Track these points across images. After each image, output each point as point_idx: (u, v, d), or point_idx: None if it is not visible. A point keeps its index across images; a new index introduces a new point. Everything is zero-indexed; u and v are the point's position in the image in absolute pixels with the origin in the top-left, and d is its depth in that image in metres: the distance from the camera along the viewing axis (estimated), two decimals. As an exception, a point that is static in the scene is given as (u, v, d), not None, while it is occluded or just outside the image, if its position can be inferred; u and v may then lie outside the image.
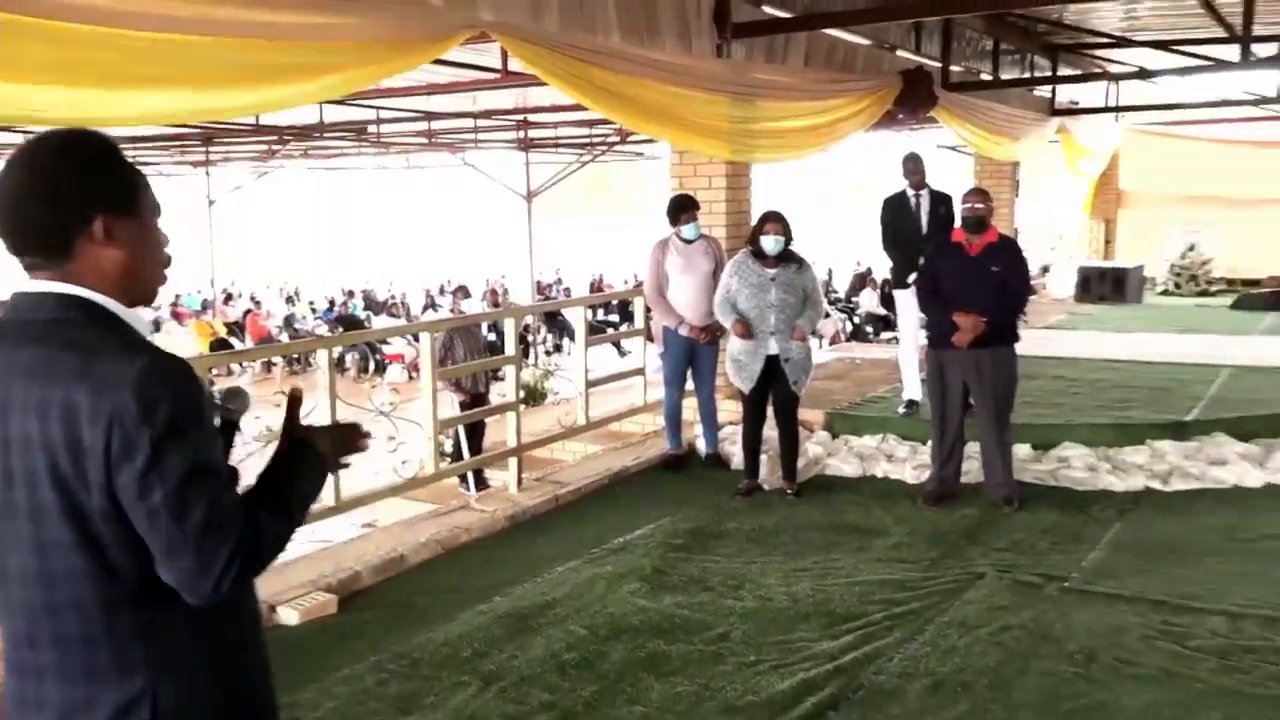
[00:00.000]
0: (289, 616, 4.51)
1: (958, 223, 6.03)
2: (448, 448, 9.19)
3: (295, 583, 4.78)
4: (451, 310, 14.25)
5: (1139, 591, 4.59)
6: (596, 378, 7.45)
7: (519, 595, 4.74)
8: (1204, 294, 16.04)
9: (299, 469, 1.74)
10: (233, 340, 20.43)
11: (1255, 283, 16.39)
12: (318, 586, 4.75)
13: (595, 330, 18.03)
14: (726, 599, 4.63)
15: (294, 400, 1.88)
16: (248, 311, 23.38)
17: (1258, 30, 9.91)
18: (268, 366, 19.44)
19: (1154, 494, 6.09)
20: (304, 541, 6.33)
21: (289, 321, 22.55)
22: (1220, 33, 10.05)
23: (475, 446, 9.02)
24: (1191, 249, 16.76)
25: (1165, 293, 16.47)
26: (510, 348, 6.49)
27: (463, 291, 13.30)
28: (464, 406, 9.29)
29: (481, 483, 8.19)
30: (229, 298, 25.40)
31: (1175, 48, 10.68)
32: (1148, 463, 6.46)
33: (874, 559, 5.12)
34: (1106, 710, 3.56)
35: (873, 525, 5.65)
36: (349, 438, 1.89)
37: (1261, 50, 11.16)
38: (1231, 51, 9.63)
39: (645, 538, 5.52)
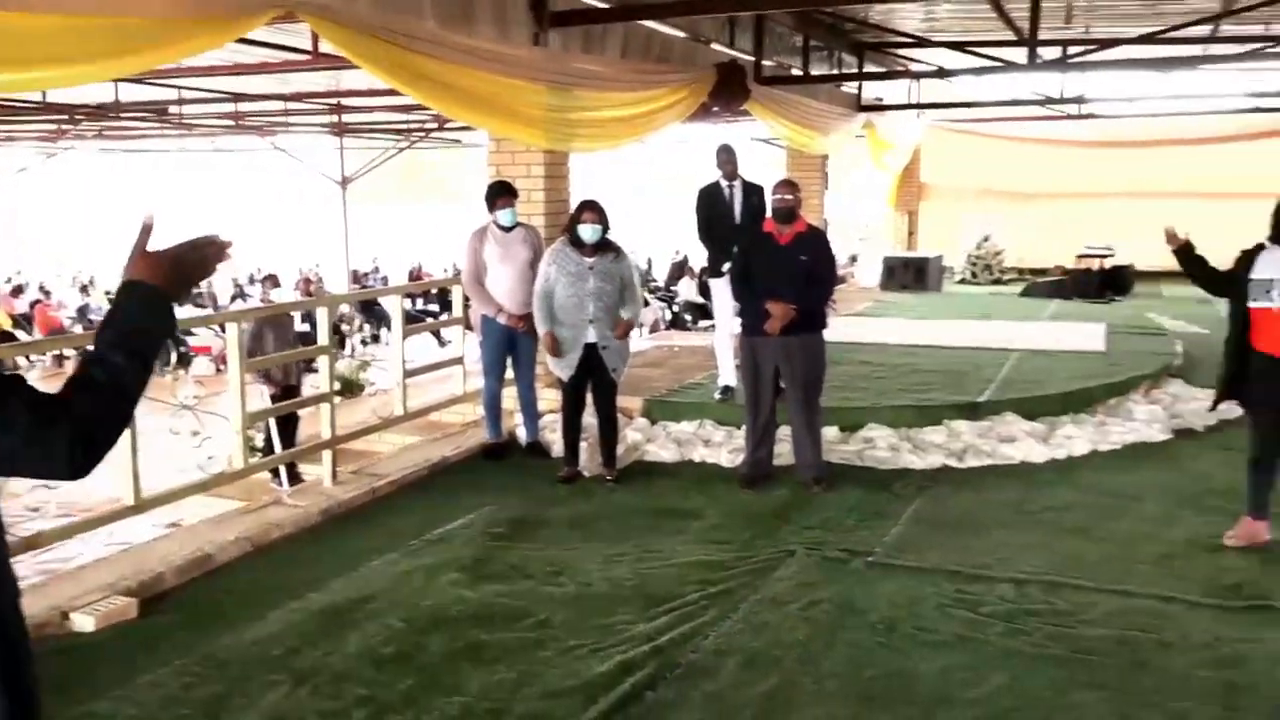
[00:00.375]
0: (84, 623, 4.28)
1: (769, 213, 6.22)
2: (259, 442, 8.89)
3: (91, 587, 4.53)
4: (261, 300, 13.75)
5: (936, 563, 4.87)
6: (414, 368, 7.35)
7: (334, 591, 4.64)
8: (997, 282, 17.04)
9: (130, 309, 1.74)
10: (19, 334, 19.12)
11: (1042, 272, 17.51)
12: (116, 590, 4.52)
13: (414, 319, 17.79)
14: (547, 586, 4.66)
15: (145, 229, 1.81)
16: (35, 302, 21.91)
17: (1043, 35, 10.59)
18: (59, 360, 18.28)
19: (950, 471, 6.45)
20: (100, 544, 6.03)
21: (83, 312, 21.25)
22: (1010, 36, 10.69)
23: (288, 440, 8.75)
24: (986, 240, 17.76)
25: (963, 281, 17.41)
26: (323, 338, 6.32)
27: (272, 280, 12.84)
28: (275, 399, 8.99)
29: (294, 477, 7.96)
30: (18, 290, 23.75)
31: (970, 49, 11.28)
32: (945, 441, 6.84)
33: (691, 541, 5.24)
34: (905, 676, 3.77)
35: (690, 508, 5.78)
36: (199, 259, 1.82)
37: (1047, 53, 11.94)
38: (1020, 54, 10.25)
39: (465, 528, 5.49)
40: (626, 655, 3.94)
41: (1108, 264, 15.55)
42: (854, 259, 18.04)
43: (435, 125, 17.08)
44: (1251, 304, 4.80)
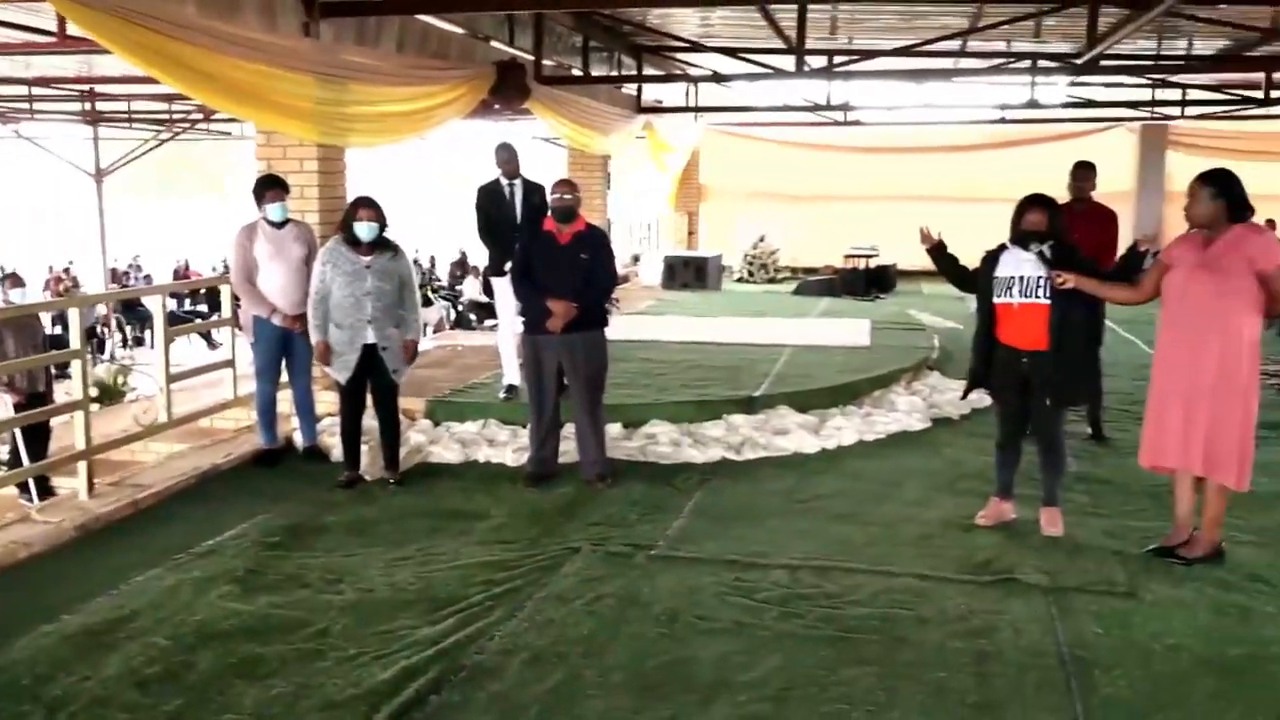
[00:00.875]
0: None
1: (550, 212, 6.24)
2: (3, 454, 8.22)
3: None
4: (1, 301, 12.70)
5: (715, 553, 5.03)
6: (181, 372, 6.97)
7: (91, 611, 4.35)
8: (772, 281, 17.70)
9: None
10: None
11: (814, 271, 18.32)
12: None
13: (181, 320, 16.87)
14: (325, 594, 4.53)
15: None
16: None
17: (810, 44, 11.11)
18: None
19: (729, 464, 6.67)
20: None
21: None
22: (780, 44, 11.15)
23: (37, 452, 8.12)
24: (761, 240, 18.42)
25: (740, 280, 18.00)
26: (75, 341, 5.91)
27: (13, 279, 11.87)
28: (20, 408, 8.32)
29: (46, 491, 7.40)
30: None
31: (743, 55, 11.69)
32: (724, 435, 7.07)
33: (476, 542, 5.21)
34: (686, 664, 3.87)
35: (475, 509, 5.74)
36: None
37: (814, 62, 12.53)
38: (789, 62, 10.72)
39: (237, 538, 5.26)
40: (410, 661, 3.87)
41: (873, 263, 16.44)
42: (636, 258, 18.32)
43: (201, 116, 16.25)
44: (995, 300, 5.19)
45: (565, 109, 11.10)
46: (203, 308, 20.40)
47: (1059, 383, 5.09)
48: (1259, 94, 13.56)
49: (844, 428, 7.29)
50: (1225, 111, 16.04)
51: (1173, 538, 4.99)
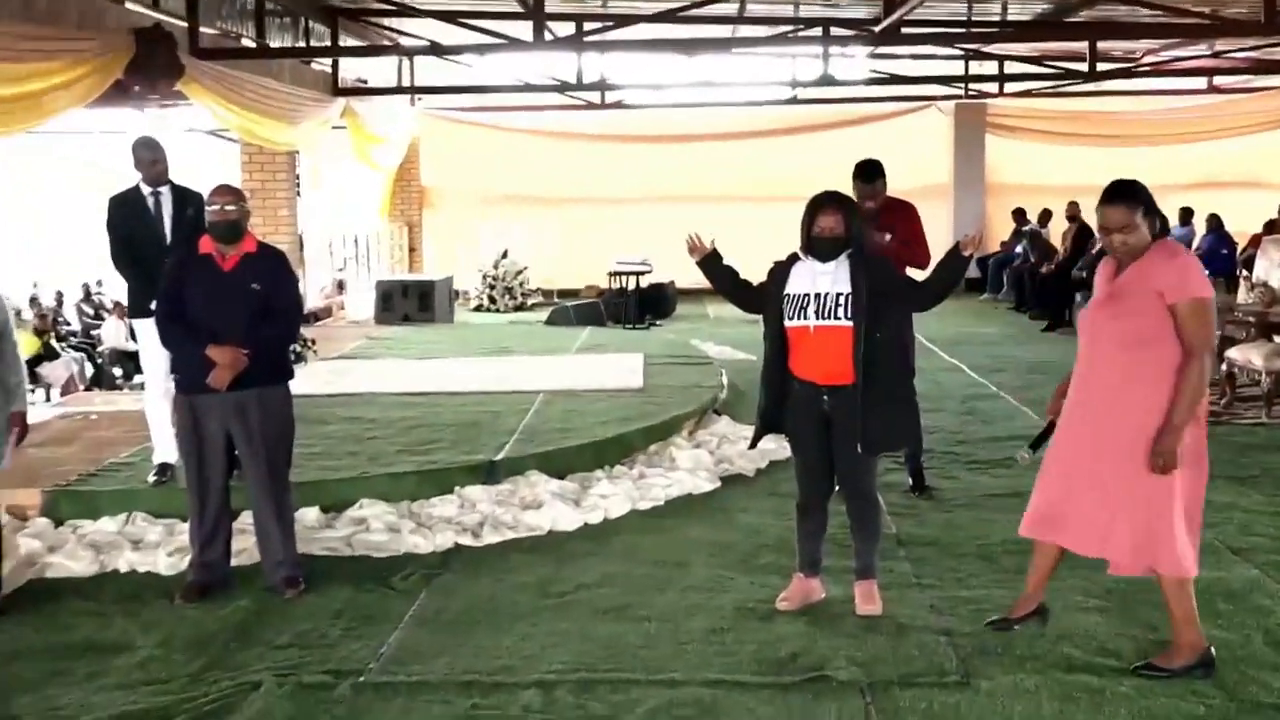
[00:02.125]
0: None
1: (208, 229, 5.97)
2: None
3: None
4: None
5: (446, 674, 4.89)
6: None
7: None
8: (520, 308, 17.80)
9: None
10: None
11: (573, 293, 18.52)
12: None
13: None
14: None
15: None
16: None
17: (553, 8, 11.23)
18: None
19: (465, 551, 6.54)
20: None
21: None
22: (515, 7, 11.20)
23: None
24: (504, 257, 18.48)
25: (479, 308, 18.00)
26: None
27: None
28: None
29: None
30: None
31: (466, 21, 11.69)
32: (458, 515, 6.94)
33: (114, 685, 4.87)
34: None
35: (113, 639, 5.38)
36: None
37: (558, 29, 12.67)
38: (526, 29, 10.78)
39: None
40: None
41: (645, 282, 16.75)
42: (341, 285, 17.99)
43: None
44: (787, 323, 5.31)
45: (233, 91, 10.78)
46: None
47: (869, 424, 5.24)
48: (1083, 66, 14.72)
49: (612, 495, 7.31)
50: (1049, 87, 17.33)
51: (1017, 608, 5.20)
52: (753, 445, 5.88)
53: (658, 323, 16.14)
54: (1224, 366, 9.97)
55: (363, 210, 19.04)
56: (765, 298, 5.42)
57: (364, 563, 6.35)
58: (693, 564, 6.25)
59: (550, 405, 9.38)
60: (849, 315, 5.17)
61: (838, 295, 5.19)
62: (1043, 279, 16.48)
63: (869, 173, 7.09)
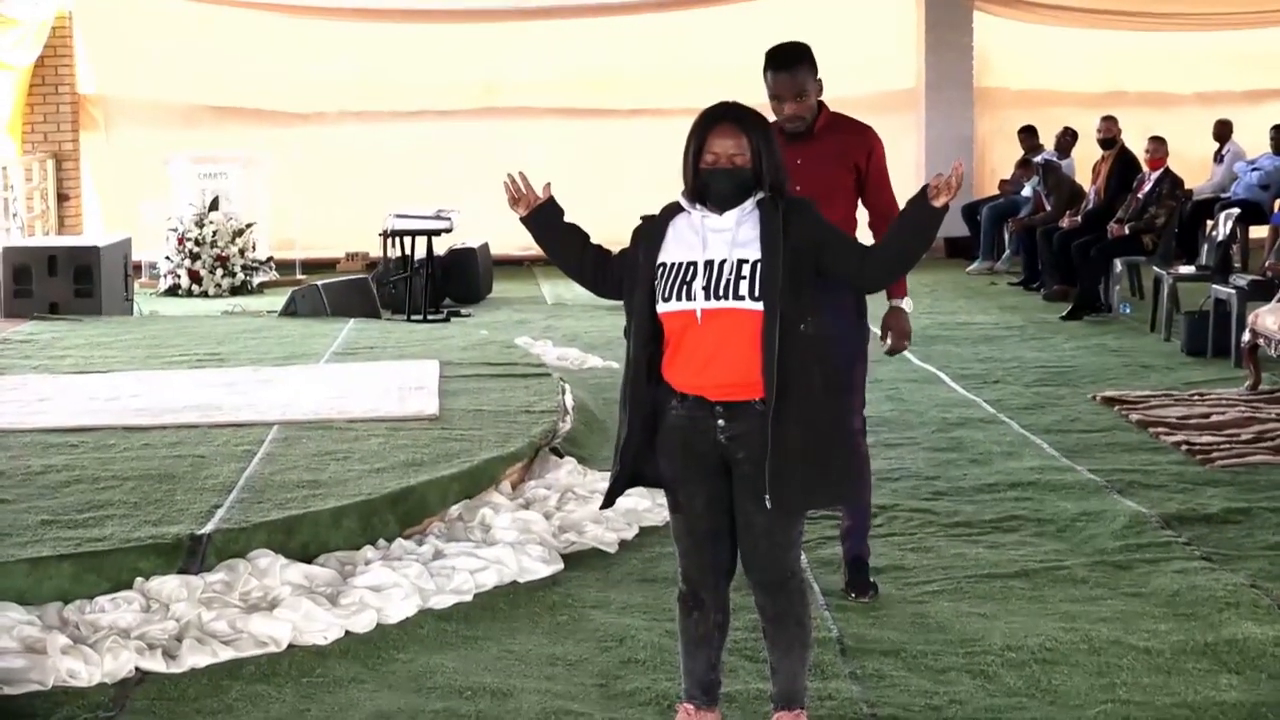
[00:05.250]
0: None
1: None
2: None
3: None
4: None
5: None
6: None
7: None
8: (241, 290, 17.59)
9: None
10: None
11: (328, 265, 18.42)
12: None
13: None
14: None
15: None
16: None
17: None
18: None
19: (153, 681, 6.44)
20: None
21: None
22: None
23: None
24: (214, 208, 18.22)
25: (175, 291, 17.75)
26: None
27: None
28: None
29: None
30: None
31: None
32: (140, 623, 6.83)
33: None
34: None
35: None
36: None
37: None
38: None
39: None
40: None
41: (444, 247, 16.68)
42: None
43: None
44: (662, 306, 5.31)
45: None
46: None
47: (784, 467, 5.23)
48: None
49: (389, 587, 7.27)
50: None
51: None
52: (607, 503, 5.85)
53: (462, 311, 16.09)
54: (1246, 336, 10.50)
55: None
56: (628, 271, 5.44)
57: (-15, 708, 6.27)
58: (518, 694, 6.23)
59: (289, 445, 9.33)
60: (756, 293, 5.19)
61: (739, 263, 5.21)
62: (1063, 237, 16.66)
63: (786, 58, 6.96)
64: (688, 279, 5.26)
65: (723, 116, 5.32)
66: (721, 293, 5.21)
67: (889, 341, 6.68)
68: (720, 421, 5.29)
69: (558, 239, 5.61)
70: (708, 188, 5.29)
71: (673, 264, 5.30)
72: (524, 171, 5.62)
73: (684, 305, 5.26)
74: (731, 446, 5.29)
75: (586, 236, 5.62)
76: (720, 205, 5.28)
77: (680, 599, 5.58)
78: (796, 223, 5.27)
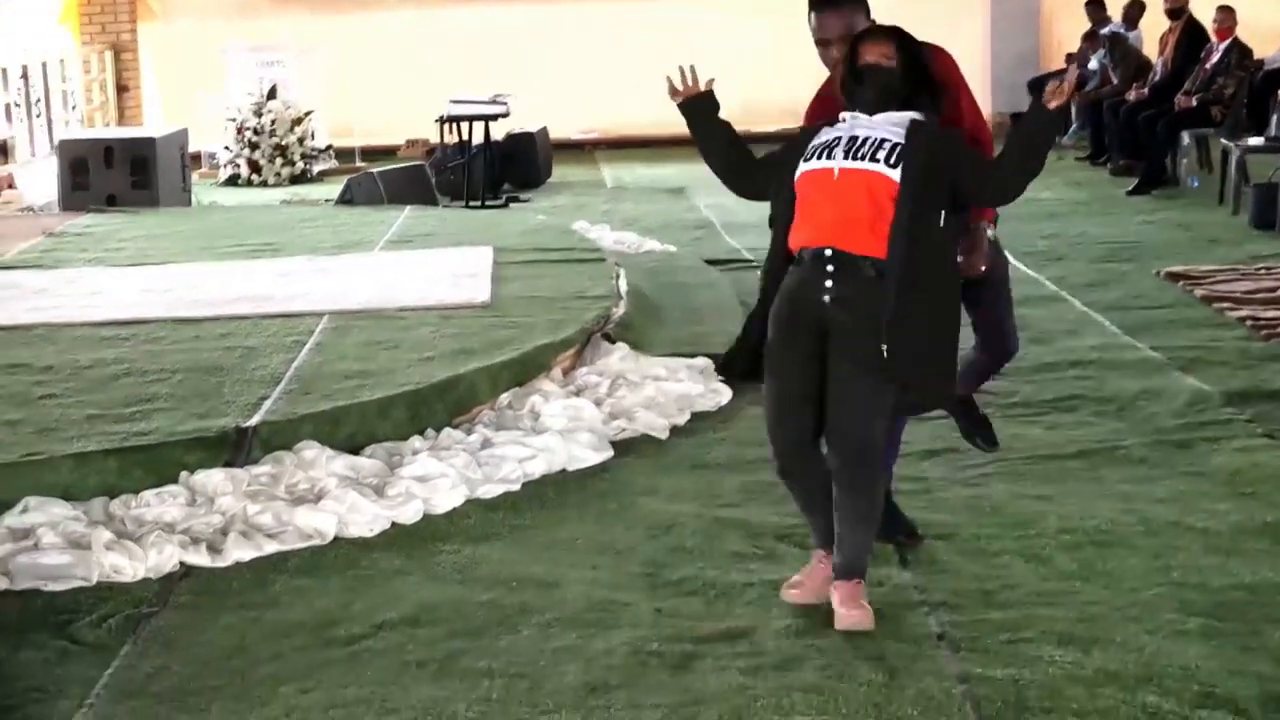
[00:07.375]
0: None
1: None
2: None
3: None
4: None
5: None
6: None
7: None
8: (298, 179, 17.61)
9: None
10: None
11: (388, 152, 18.40)
12: None
13: None
14: None
15: None
16: None
17: None
18: None
19: (197, 576, 6.48)
20: None
21: None
22: None
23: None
24: (273, 97, 18.24)
25: (234, 181, 17.79)
26: None
27: None
28: None
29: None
30: None
31: None
32: (184, 518, 6.87)
33: None
34: None
35: None
36: None
37: None
38: None
39: None
40: None
41: (502, 133, 16.63)
42: (2, 149, 17.69)
43: None
44: (802, 166, 5.56)
45: None
46: None
47: (895, 335, 5.36)
48: None
49: (438, 477, 7.29)
50: None
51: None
52: (729, 370, 6.03)
53: (521, 197, 16.03)
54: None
55: (32, 24, 18.62)
56: (775, 167, 5.74)
57: (29, 600, 6.30)
58: (565, 584, 6.25)
59: (340, 335, 9.34)
60: (893, 161, 5.39)
61: (880, 140, 5.43)
62: (1131, 110, 16.57)
63: None
64: (831, 147, 5.52)
65: (876, 34, 5.73)
66: (859, 155, 5.44)
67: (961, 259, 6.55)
68: (829, 282, 5.43)
69: (708, 131, 5.84)
70: (863, 83, 5.57)
71: (820, 142, 5.58)
72: (686, 66, 5.85)
73: (823, 164, 5.51)
74: (834, 309, 5.43)
75: (735, 134, 5.87)
76: (872, 107, 5.54)
77: (779, 473, 5.83)
78: (939, 140, 5.54)
